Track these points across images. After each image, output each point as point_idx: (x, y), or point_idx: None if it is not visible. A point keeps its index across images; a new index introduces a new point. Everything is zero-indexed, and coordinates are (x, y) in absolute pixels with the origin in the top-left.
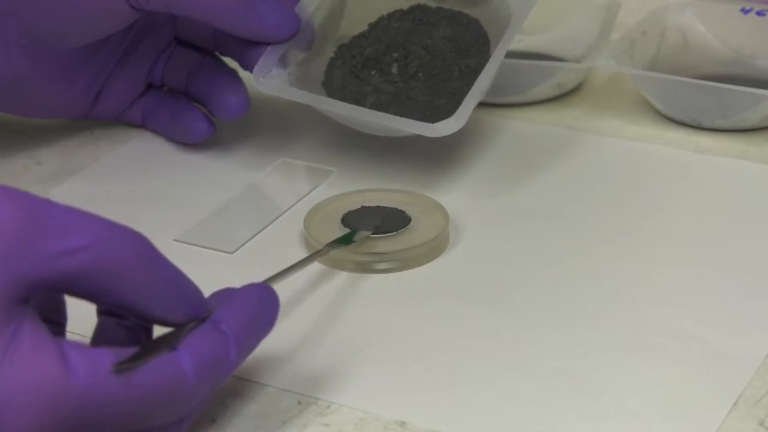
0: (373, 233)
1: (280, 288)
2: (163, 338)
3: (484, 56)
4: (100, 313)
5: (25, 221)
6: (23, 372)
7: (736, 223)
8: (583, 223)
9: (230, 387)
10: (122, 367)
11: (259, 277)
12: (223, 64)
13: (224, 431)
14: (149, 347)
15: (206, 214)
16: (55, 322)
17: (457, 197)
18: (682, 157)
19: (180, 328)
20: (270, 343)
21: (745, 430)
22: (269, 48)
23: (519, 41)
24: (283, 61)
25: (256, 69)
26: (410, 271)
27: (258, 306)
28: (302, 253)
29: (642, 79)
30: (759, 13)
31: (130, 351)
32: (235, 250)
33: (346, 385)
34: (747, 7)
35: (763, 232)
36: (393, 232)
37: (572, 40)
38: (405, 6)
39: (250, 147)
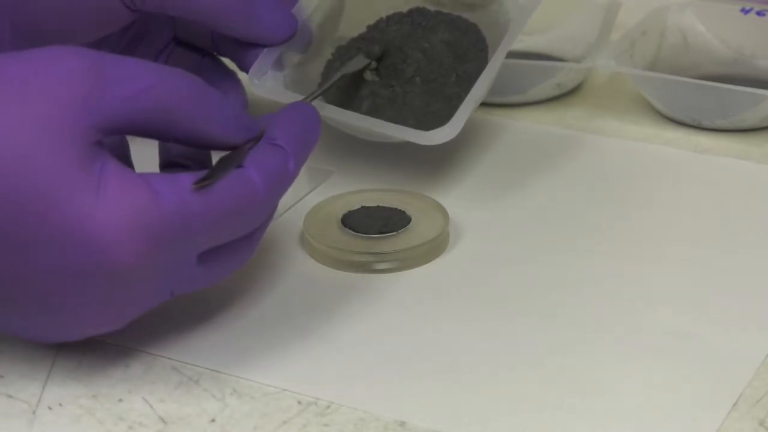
0: (374, 233)
1: (280, 286)
2: (229, 158)
3: (482, 62)
4: (163, 166)
5: (93, 70)
6: (118, 200)
7: (736, 223)
8: (583, 223)
9: (230, 387)
10: (201, 184)
11: (259, 277)
12: (222, 66)
13: (224, 431)
14: (219, 166)
15: None
16: None
17: (457, 197)
18: (682, 157)
19: (240, 148)
20: (270, 343)
21: (745, 430)
22: (266, 50)
23: (519, 41)
24: (279, 64)
25: (251, 71)
26: (410, 271)
27: (303, 120)
28: (302, 253)
29: (642, 79)
30: (759, 13)
31: (204, 173)
32: None
33: (346, 385)
34: (747, 7)
35: (763, 232)
36: (393, 232)
37: (572, 40)
38: (404, 9)
39: None
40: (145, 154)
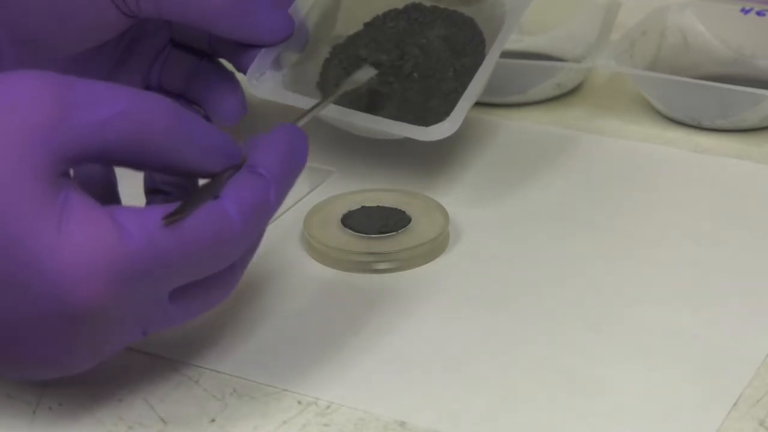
0: (374, 233)
1: (280, 286)
2: (204, 188)
3: (479, 56)
4: (148, 193)
5: (59, 95)
6: (79, 237)
7: (736, 223)
8: (583, 223)
9: (230, 387)
10: (171, 219)
11: (259, 277)
12: (221, 68)
13: (224, 431)
14: (193, 198)
15: None
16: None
17: (457, 197)
18: (682, 157)
19: (218, 177)
20: (270, 343)
21: (745, 430)
22: (263, 50)
23: (519, 41)
24: (277, 64)
25: (249, 72)
26: (410, 271)
27: (288, 145)
28: (302, 253)
29: (642, 79)
30: (759, 13)
31: (175, 206)
32: None
33: (346, 385)
34: (747, 7)
35: (763, 232)
36: (393, 232)
37: (572, 40)
38: (400, 5)
39: None
40: (135, 182)
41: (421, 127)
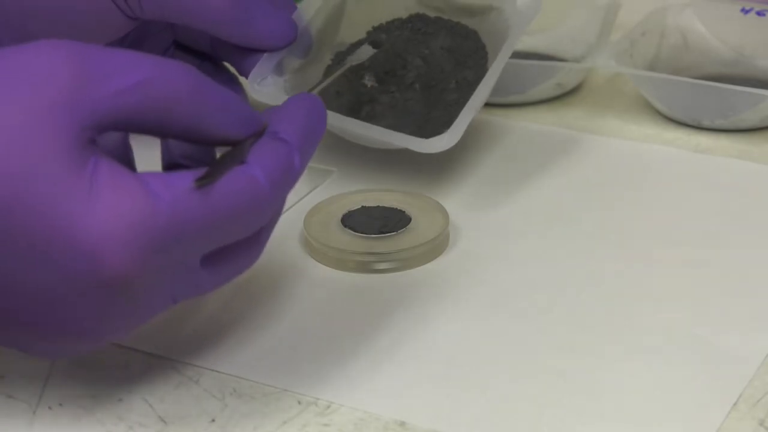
0: (374, 233)
1: (280, 286)
2: (230, 155)
3: (481, 68)
4: (166, 168)
5: (82, 63)
6: (110, 202)
7: (736, 223)
8: (582, 223)
9: (230, 387)
10: (201, 182)
11: (259, 277)
12: (224, 70)
13: (224, 431)
14: (220, 164)
15: None
16: None
17: (457, 197)
18: (682, 157)
19: (243, 143)
20: (270, 343)
21: (745, 430)
22: (266, 55)
23: (519, 41)
24: (279, 69)
25: (251, 76)
26: (410, 271)
27: (307, 111)
28: (302, 253)
29: (642, 79)
30: (759, 13)
31: (204, 171)
32: None
33: (346, 385)
34: (747, 7)
35: (763, 232)
36: (393, 232)
37: (572, 40)
38: (404, 15)
39: None
40: (149, 154)
41: (421, 139)
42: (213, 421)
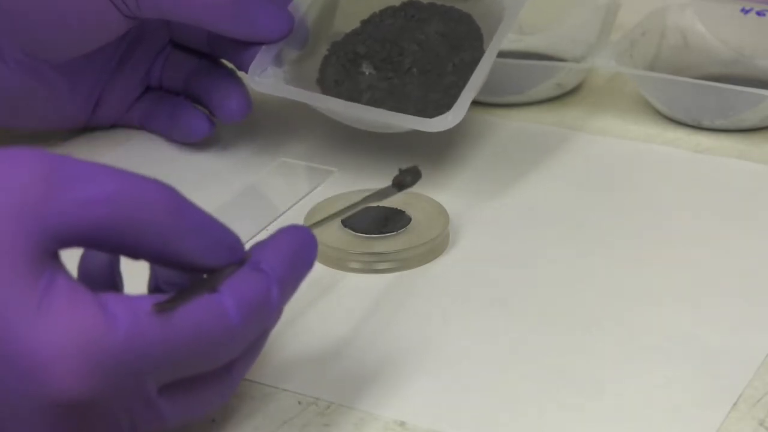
0: (374, 233)
1: None
2: (202, 281)
3: (477, 50)
4: (150, 292)
5: (49, 173)
6: (61, 320)
7: (736, 223)
8: (582, 223)
9: None
10: (162, 307)
11: None
12: (222, 66)
13: (224, 431)
14: (188, 290)
15: None
16: None
17: (458, 197)
18: (682, 157)
19: (219, 272)
20: (270, 343)
21: (745, 430)
22: (264, 47)
23: (519, 41)
24: (278, 60)
25: (251, 68)
26: (410, 271)
27: (295, 245)
28: None
29: (642, 79)
30: (759, 13)
31: (169, 296)
32: None
33: (346, 385)
34: (747, 7)
35: (763, 232)
36: (393, 232)
37: (572, 40)
38: (397, 2)
39: (250, 147)
40: (144, 153)
41: (424, 119)
42: (213, 421)
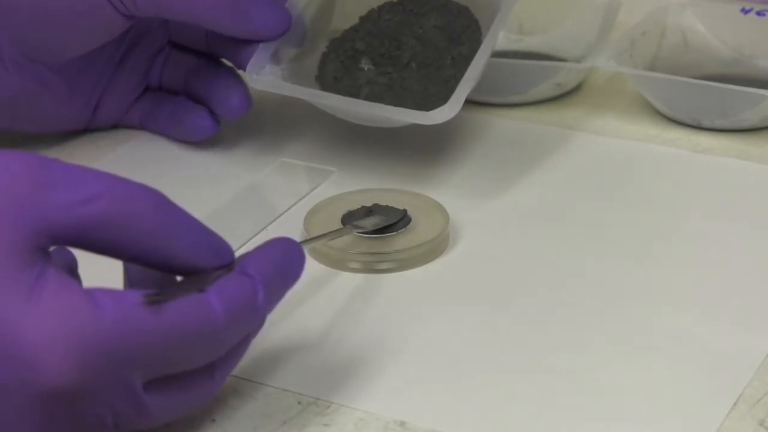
0: (374, 233)
1: None
2: (190, 281)
3: (475, 43)
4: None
5: (38, 173)
6: (50, 311)
7: (736, 223)
8: (583, 223)
9: (230, 387)
10: (152, 299)
11: None
12: (221, 64)
13: (224, 431)
14: (176, 286)
15: (206, 214)
16: None
17: (458, 197)
18: (682, 157)
19: (207, 274)
20: (270, 343)
21: (745, 430)
22: (261, 45)
23: (519, 41)
24: (275, 58)
25: (249, 66)
26: (410, 271)
27: (284, 254)
28: None
29: (642, 79)
30: (759, 13)
31: (156, 290)
32: (235, 251)
33: (346, 385)
34: (747, 7)
35: (763, 232)
36: (393, 232)
37: (572, 40)
38: None
39: (250, 147)
40: (145, 153)
41: (422, 112)
42: (213, 420)
